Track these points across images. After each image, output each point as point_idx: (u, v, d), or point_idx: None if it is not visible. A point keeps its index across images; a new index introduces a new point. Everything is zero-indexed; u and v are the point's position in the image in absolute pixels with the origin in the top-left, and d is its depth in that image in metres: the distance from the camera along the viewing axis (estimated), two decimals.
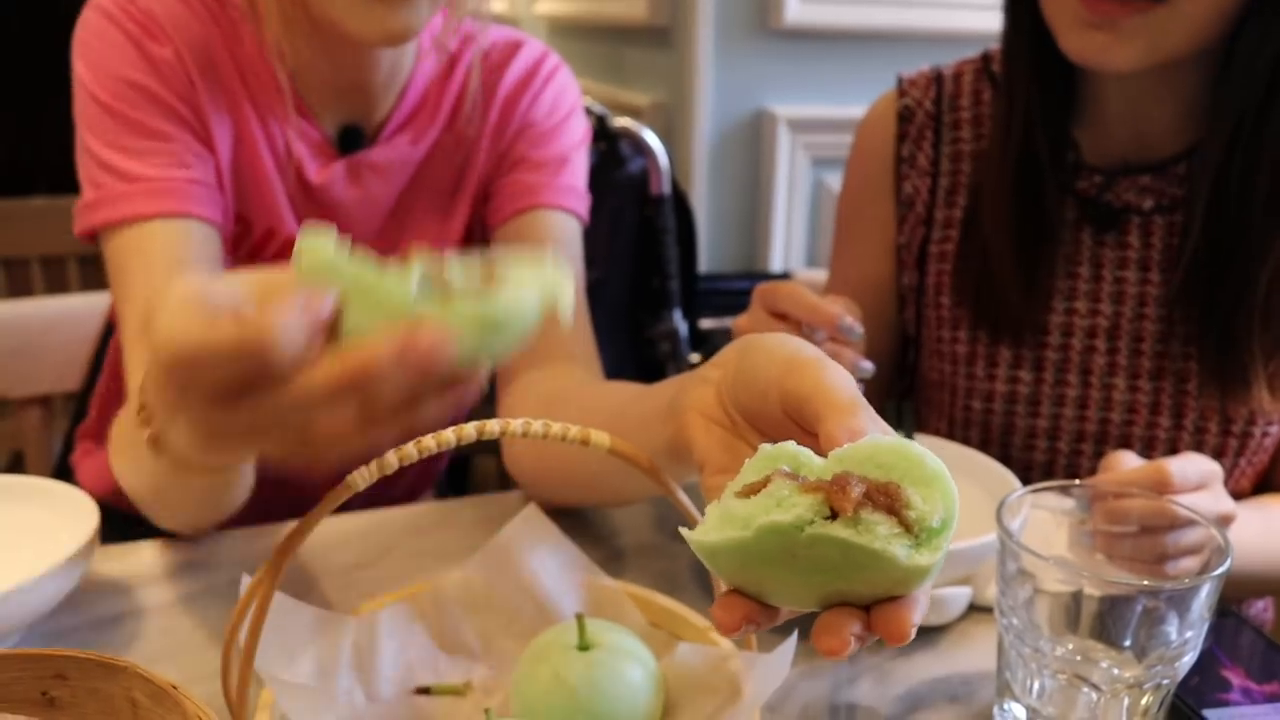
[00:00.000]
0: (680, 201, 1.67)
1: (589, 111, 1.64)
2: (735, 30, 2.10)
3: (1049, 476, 1.09)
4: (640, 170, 1.61)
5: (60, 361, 1.41)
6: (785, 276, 1.81)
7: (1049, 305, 1.06)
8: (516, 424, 0.55)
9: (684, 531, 0.45)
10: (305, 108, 1.05)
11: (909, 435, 1.00)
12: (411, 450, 0.53)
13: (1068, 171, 1.05)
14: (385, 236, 1.12)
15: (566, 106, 1.16)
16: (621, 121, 1.63)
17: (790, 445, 0.44)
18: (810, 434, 0.49)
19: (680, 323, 1.64)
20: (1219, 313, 0.97)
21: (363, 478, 0.53)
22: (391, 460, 0.53)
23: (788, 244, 2.22)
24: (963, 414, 1.11)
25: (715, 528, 0.43)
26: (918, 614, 0.42)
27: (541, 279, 0.47)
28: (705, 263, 2.15)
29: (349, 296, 0.46)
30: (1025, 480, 1.09)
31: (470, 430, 0.54)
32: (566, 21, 2.91)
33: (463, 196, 1.14)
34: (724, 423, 0.57)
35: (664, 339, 1.62)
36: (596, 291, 1.55)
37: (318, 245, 0.46)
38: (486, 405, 1.17)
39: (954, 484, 0.41)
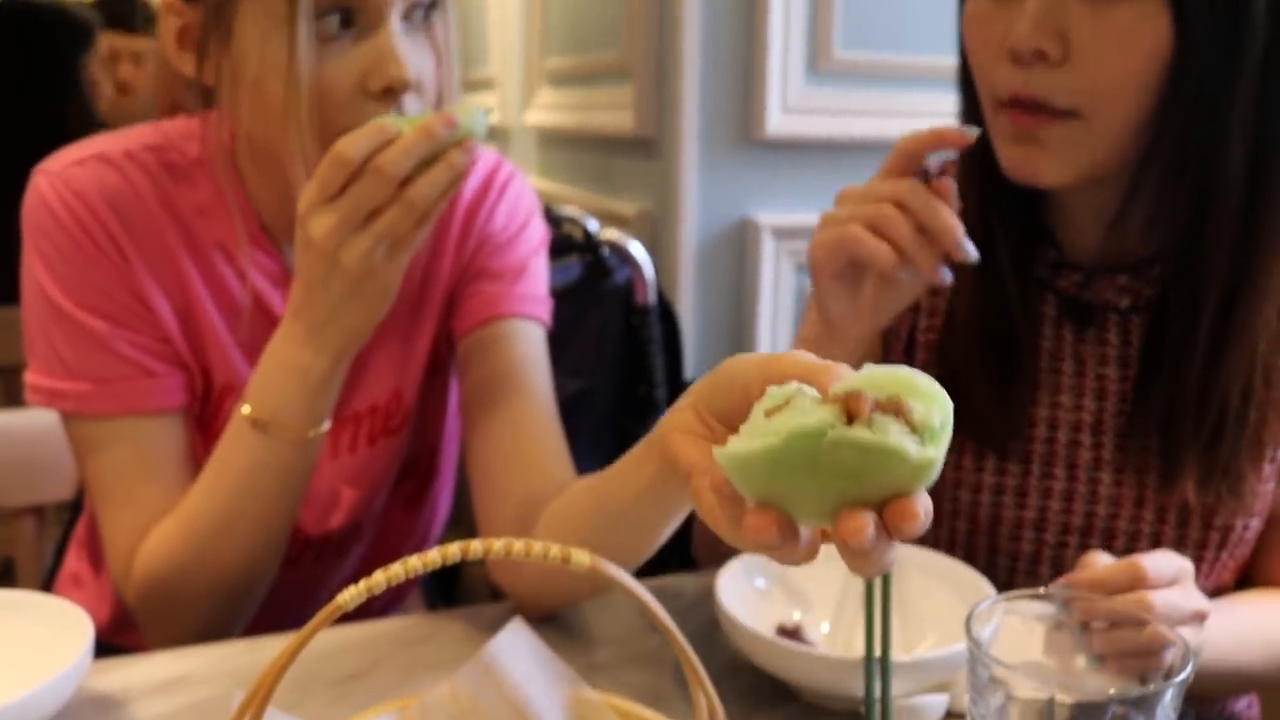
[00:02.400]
0: (666, 310, 1.71)
1: (575, 223, 1.69)
2: (718, 141, 2.16)
3: (1035, 567, 1.11)
4: (626, 280, 1.65)
5: (54, 472, 1.43)
6: None
7: (1034, 399, 1.08)
8: (499, 544, 0.57)
9: (715, 450, 0.50)
10: (264, 238, 1.09)
11: None
12: (399, 570, 0.55)
13: (1048, 269, 1.09)
14: (360, 364, 1.14)
15: (523, 214, 1.21)
16: (608, 233, 1.67)
17: (795, 383, 0.51)
18: None
19: None
20: (1163, 407, 1.00)
21: (351, 596, 0.55)
22: (379, 580, 0.55)
23: (773, 349, 2.25)
24: (950, 504, 1.13)
25: (745, 441, 0.49)
26: (923, 507, 0.48)
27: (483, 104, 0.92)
28: (692, 369, 2.18)
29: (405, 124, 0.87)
30: (1011, 570, 1.11)
31: (454, 550, 0.57)
32: (556, 132, 2.98)
33: (429, 309, 1.17)
34: (705, 434, 0.65)
35: None
36: (583, 400, 1.58)
37: (382, 118, 0.88)
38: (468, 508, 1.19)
39: (947, 395, 0.48)
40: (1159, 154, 0.95)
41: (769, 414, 0.49)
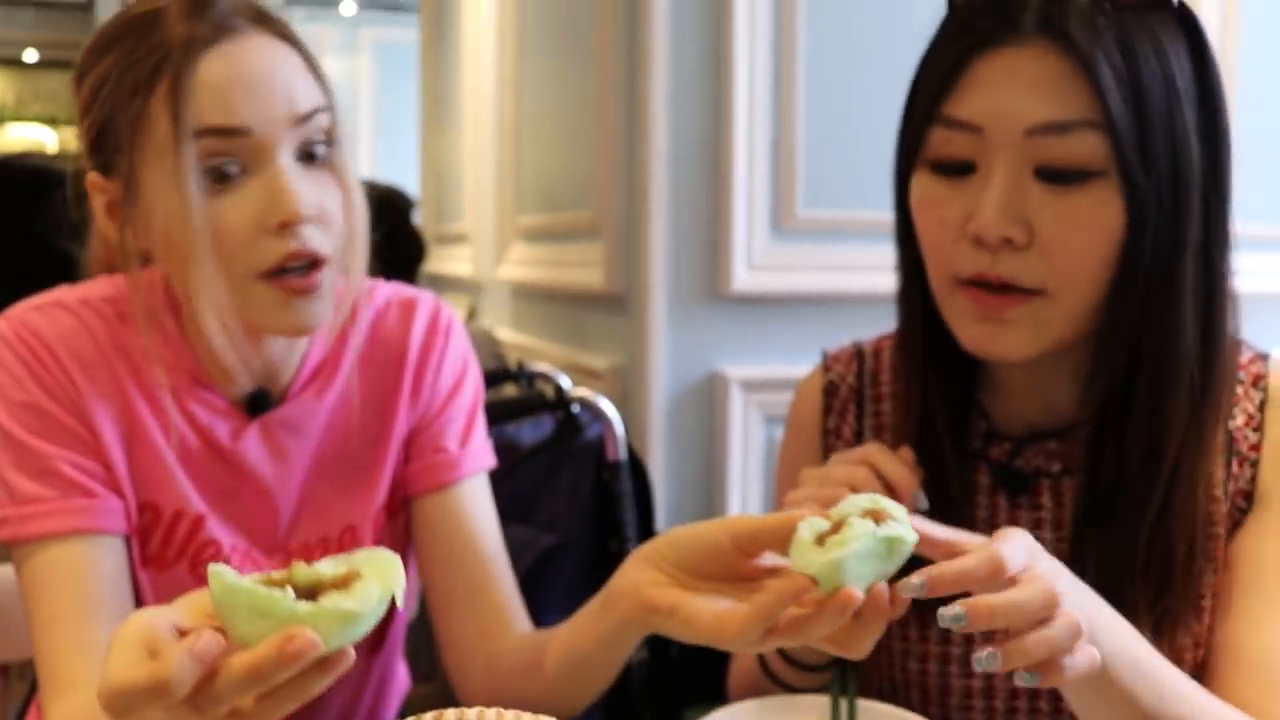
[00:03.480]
0: (637, 464, 1.74)
1: (548, 380, 1.73)
2: (687, 297, 2.22)
3: None
4: (597, 437, 1.68)
5: (21, 628, 1.42)
6: None
7: None
8: (472, 713, 0.59)
9: (818, 562, 0.72)
10: (210, 381, 1.13)
11: (853, 698, 1.03)
12: None
13: (980, 440, 1.12)
14: (309, 496, 1.18)
15: (462, 359, 1.27)
16: (579, 391, 1.71)
17: (813, 517, 0.76)
18: (750, 556, 0.83)
19: None
20: (1108, 567, 1.02)
21: None
22: None
23: (744, 500, 2.28)
24: (901, 675, 1.14)
25: (829, 552, 0.72)
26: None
27: (385, 573, 0.64)
28: (663, 522, 2.20)
29: (246, 609, 0.62)
30: None
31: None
32: (528, 286, 3.05)
33: (385, 450, 1.21)
34: (669, 582, 0.85)
35: None
36: (557, 555, 1.60)
37: (221, 574, 0.63)
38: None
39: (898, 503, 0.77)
40: (1121, 326, 0.99)
41: (830, 532, 0.74)
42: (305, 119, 1.03)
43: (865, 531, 0.73)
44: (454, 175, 4.11)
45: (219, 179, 1.00)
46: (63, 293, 1.14)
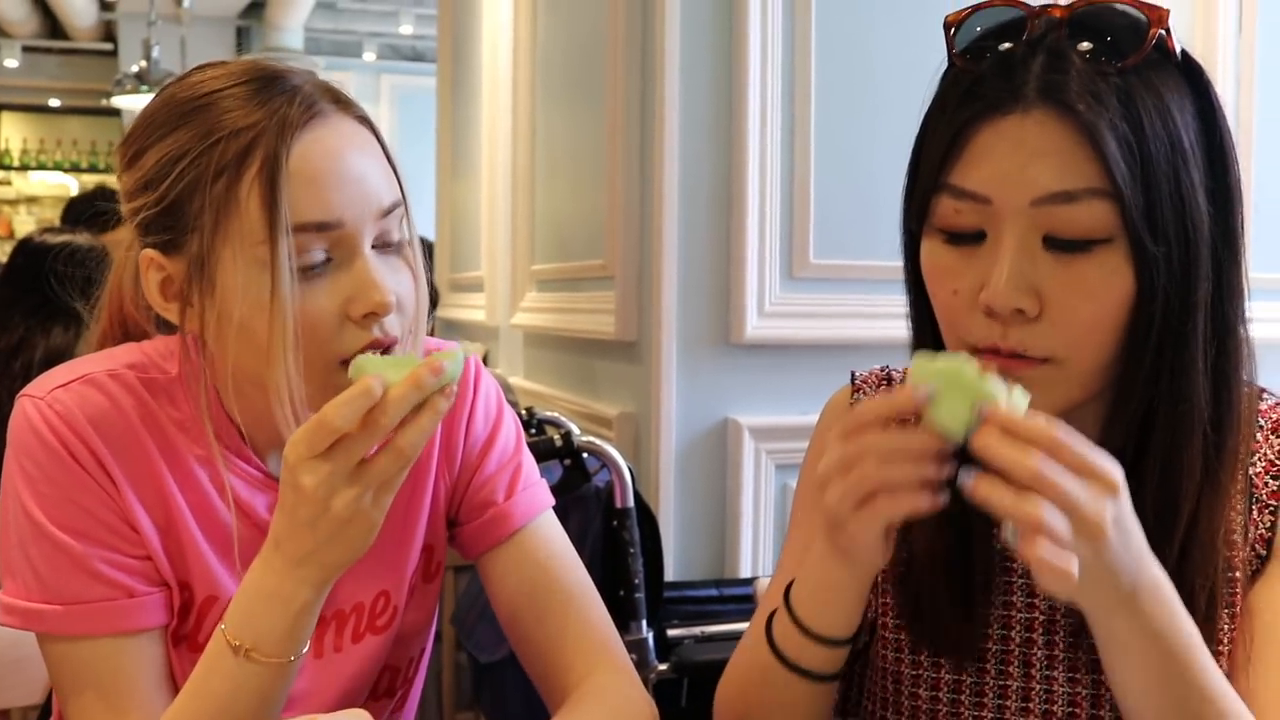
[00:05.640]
0: (646, 513, 1.73)
1: (557, 426, 1.72)
2: (698, 345, 2.22)
3: None
4: (606, 483, 1.67)
5: (22, 675, 1.40)
6: (752, 582, 1.85)
7: (988, 600, 1.09)
8: None
9: (917, 356, 0.88)
10: (246, 449, 1.10)
11: None
12: None
13: None
14: None
15: (495, 403, 1.23)
16: (587, 438, 1.70)
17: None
18: None
19: (646, 633, 1.66)
20: None
21: None
22: None
23: (755, 549, 2.26)
24: (909, 703, 1.12)
25: (939, 360, 0.86)
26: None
27: (455, 352, 0.94)
28: (674, 570, 2.18)
29: (389, 367, 0.91)
30: None
31: None
32: (541, 333, 3.05)
33: (416, 513, 1.18)
34: None
35: (630, 650, 1.63)
36: None
37: (365, 356, 0.94)
38: None
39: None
40: (1133, 387, 0.98)
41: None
42: (388, 212, 1.03)
43: (967, 359, 0.86)
44: (469, 222, 4.13)
45: (306, 269, 0.98)
46: (88, 365, 1.09)
